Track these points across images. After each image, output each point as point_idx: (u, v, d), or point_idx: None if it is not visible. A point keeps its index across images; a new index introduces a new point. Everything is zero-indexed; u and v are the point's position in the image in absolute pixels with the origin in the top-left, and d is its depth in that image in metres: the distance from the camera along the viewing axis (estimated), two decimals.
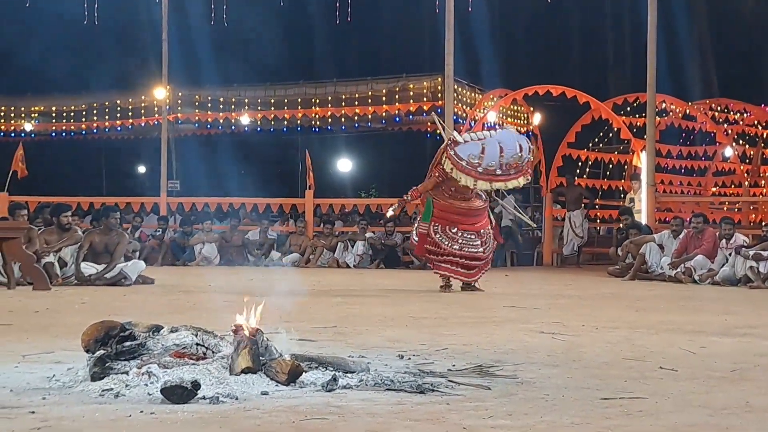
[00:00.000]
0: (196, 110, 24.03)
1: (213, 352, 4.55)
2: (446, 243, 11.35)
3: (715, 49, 29.41)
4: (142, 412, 3.83)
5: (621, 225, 16.62)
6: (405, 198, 11.81)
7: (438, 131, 12.19)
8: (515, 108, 22.37)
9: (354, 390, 4.36)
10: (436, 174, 11.42)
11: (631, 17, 29.35)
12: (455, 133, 11.47)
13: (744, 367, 5.29)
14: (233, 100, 23.62)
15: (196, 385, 4.02)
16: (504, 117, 22.30)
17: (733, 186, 23.33)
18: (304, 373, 4.46)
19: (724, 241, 14.13)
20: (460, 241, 11.34)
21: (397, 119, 23.11)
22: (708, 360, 5.57)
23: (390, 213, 13.38)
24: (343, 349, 5.76)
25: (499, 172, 10.97)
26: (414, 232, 11.94)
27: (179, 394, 3.97)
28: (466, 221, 11.44)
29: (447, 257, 11.38)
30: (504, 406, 4.06)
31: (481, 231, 11.49)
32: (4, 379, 4.61)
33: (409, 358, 5.43)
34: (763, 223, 17.58)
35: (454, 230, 11.37)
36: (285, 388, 4.31)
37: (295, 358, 4.57)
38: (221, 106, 23.72)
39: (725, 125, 22.94)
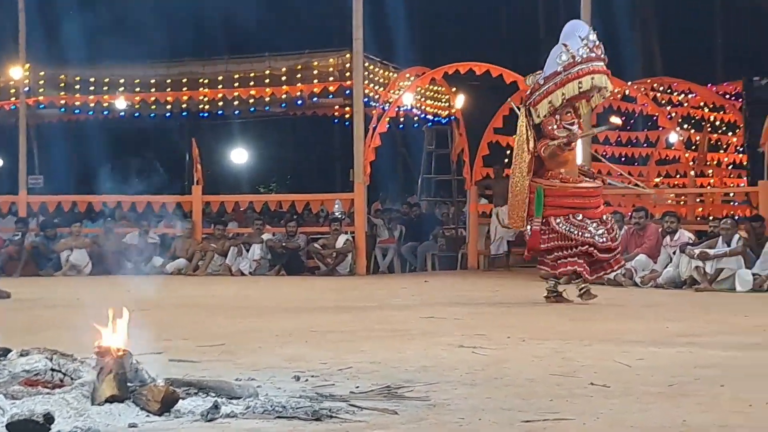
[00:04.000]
0: (62, 92, 23.58)
1: (72, 379, 4.49)
2: (576, 232, 10.96)
3: (658, 23, 29.90)
4: None
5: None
6: None
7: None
8: (434, 88, 22.46)
9: (239, 419, 4.34)
10: (541, 145, 11.16)
11: None
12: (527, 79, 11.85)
13: (683, 381, 5.39)
14: (106, 80, 23.22)
15: (49, 419, 3.94)
16: (422, 99, 22.40)
17: (678, 176, 23.74)
18: (180, 401, 4.42)
19: (667, 237, 14.39)
20: (590, 228, 10.99)
21: (300, 102, 22.99)
22: (644, 374, 5.67)
23: None
24: (230, 371, 5.73)
25: (591, 58, 10.98)
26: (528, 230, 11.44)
27: (29, 429, 3.89)
28: (587, 204, 11.14)
29: (579, 249, 10.97)
30: None
31: (604, 217, 11.24)
32: None
33: (307, 380, 5.43)
34: (711, 218, 17.92)
35: (579, 218, 11.03)
36: (157, 419, 4.26)
37: (171, 384, 4.53)
38: (92, 88, 23.28)
39: (668, 107, 23.34)
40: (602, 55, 11.10)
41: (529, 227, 11.30)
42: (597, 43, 11.11)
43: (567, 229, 10.98)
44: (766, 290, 13.03)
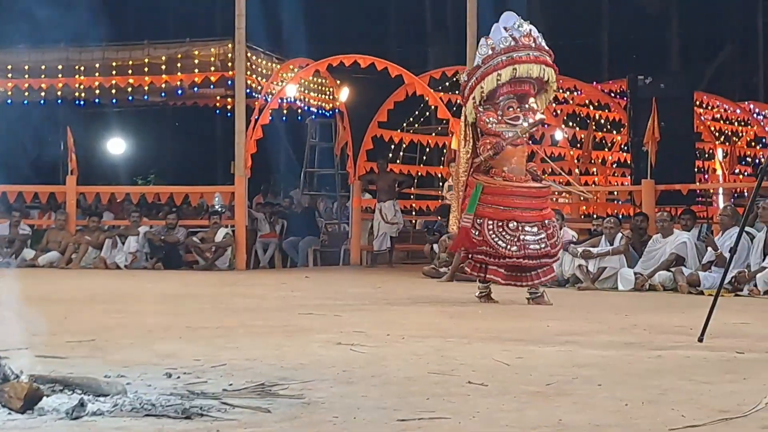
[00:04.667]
0: None
1: None
2: (503, 245, 10.60)
3: (545, 20, 30.30)
4: None
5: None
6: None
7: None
8: (319, 81, 22.45)
9: (106, 417, 4.28)
10: (481, 143, 10.88)
11: None
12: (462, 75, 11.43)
13: (562, 379, 5.46)
14: None
15: None
16: (306, 91, 22.36)
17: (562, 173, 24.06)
18: (45, 398, 4.33)
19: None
20: (522, 238, 10.61)
21: (180, 92, 22.76)
22: (523, 372, 5.73)
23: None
24: (99, 367, 5.64)
25: (514, 48, 10.75)
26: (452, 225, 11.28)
27: None
28: (529, 205, 10.76)
29: (503, 260, 10.67)
30: None
31: (546, 221, 10.82)
32: None
33: (179, 377, 5.37)
34: (594, 216, 18.24)
35: (512, 226, 10.62)
36: (20, 417, 4.18)
37: (35, 381, 4.44)
38: None
39: (554, 105, 23.68)
40: (533, 44, 10.86)
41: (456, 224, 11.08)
42: (527, 32, 10.88)
43: (494, 238, 10.63)
44: (647, 289, 13.30)
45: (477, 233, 10.71)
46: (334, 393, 4.97)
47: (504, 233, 10.65)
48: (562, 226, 14.67)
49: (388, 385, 5.27)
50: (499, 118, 10.84)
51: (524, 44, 10.82)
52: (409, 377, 5.53)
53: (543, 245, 10.70)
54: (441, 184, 22.03)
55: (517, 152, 10.99)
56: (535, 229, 10.71)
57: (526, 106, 11.01)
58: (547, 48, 11.05)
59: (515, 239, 10.61)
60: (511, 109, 10.88)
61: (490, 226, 10.66)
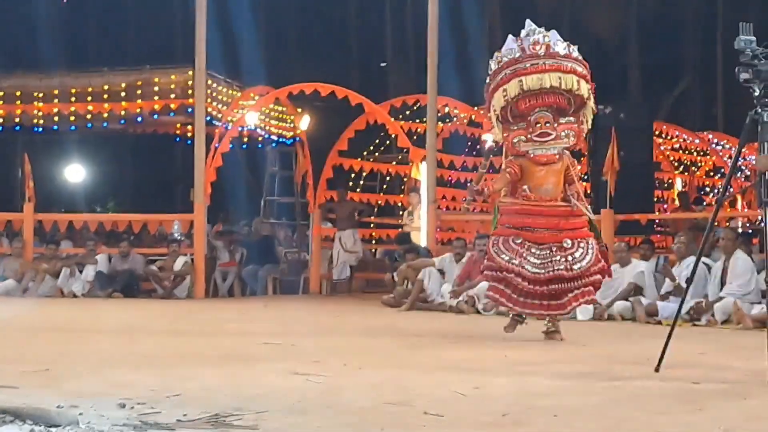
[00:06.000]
0: None
1: None
2: (506, 258, 9.85)
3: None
4: None
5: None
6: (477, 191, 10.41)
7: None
8: (279, 109, 22.43)
9: None
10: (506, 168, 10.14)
11: (414, 8, 30.11)
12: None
13: (518, 410, 5.46)
14: None
15: None
16: (266, 119, 22.35)
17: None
18: None
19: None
20: (525, 257, 9.80)
21: (140, 119, 22.70)
22: (480, 403, 5.73)
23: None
24: (52, 397, 5.60)
25: (519, 59, 9.92)
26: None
27: None
28: (542, 225, 9.95)
29: (502, 274, 9.91)
30: None
31: (565, 242, 9.87)
32: None
33: (133, 407, 5.34)
34: None
35: (519, 241, 9.87)
36: None
37: None
38: None
39: None
40: (543, 52, 9.96)
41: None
42: (536, 40, 10.05)
43: (496, 251, 10.01)
44: (606, 319, 13.33)
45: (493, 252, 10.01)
46: (288, 423, 4.95)
47: (508, 248, 9.92)
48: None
49: (344, 415, 5.25)
50: (528, 135, 10.11)
51: (531, 54, 9.98)
52: (365, 407, 5.51)
53: (549, 270, 9.76)
54: (401, 212, 22.05)
55: (542, 171, 10.14)
56: (544, 252, 9.85)
57: (563, 120, 10.28)
58: (574, 55, 10.15)
59: (516, 254, 9.88)
60: (539, 125, 10.10)
61: (496, 242, 10.05)
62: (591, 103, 10.56)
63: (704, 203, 24.79)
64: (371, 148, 22.52)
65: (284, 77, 21.82)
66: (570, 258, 9.81)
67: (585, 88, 10.26)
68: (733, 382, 6.78)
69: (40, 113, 22.34)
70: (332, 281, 19.89)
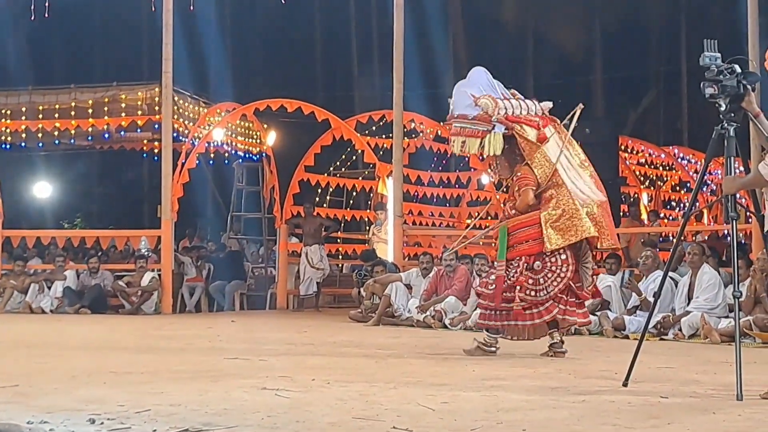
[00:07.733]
0: None
1: None
2: (551, 281, 9.51)
3: (468, 64, 30.63)
4: None
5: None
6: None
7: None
8: (246, 125, 22.44)
9: None
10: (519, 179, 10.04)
11: (380, 25, 30.19)
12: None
13: (486, 424, 5.46)
14: None
15: None
16: (233, 135, 22.33)
17: (488, 217, 24.24)
18: None
19: (477, 279, 14.61)
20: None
21: (107, 136, 22.64)
22: (447, 417, 5.72)
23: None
24: (22, 413, 5.56)
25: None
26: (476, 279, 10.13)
27: None
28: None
29: (555, 296, 9.59)
30: None
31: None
32: None
33: (102, 423, 5.32)
34: None
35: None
36: None
37: None
38: None
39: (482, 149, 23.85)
40: (450, 108, 10.04)
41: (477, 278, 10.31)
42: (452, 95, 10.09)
43: (534, 277, 9.57)
44: (573, 333, 13.36)
45: (514, 273, 9.58)
46: None
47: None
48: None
49: (313, 430, 5.25)
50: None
51: (451, 114, 10.07)
52: (333, 423, 5.50)
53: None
54: (367, 228, 22.06)
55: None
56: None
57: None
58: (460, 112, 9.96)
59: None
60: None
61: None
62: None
63: (660, 216, 24.92)
64: (338, 163, 22.54)
65: (250, 93, 21.88)
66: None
67: (468, 148, 10.11)
68: (701, 397, 6.80)
69: (8, 130, 22.27)
70: (299, 296, 19.87)
